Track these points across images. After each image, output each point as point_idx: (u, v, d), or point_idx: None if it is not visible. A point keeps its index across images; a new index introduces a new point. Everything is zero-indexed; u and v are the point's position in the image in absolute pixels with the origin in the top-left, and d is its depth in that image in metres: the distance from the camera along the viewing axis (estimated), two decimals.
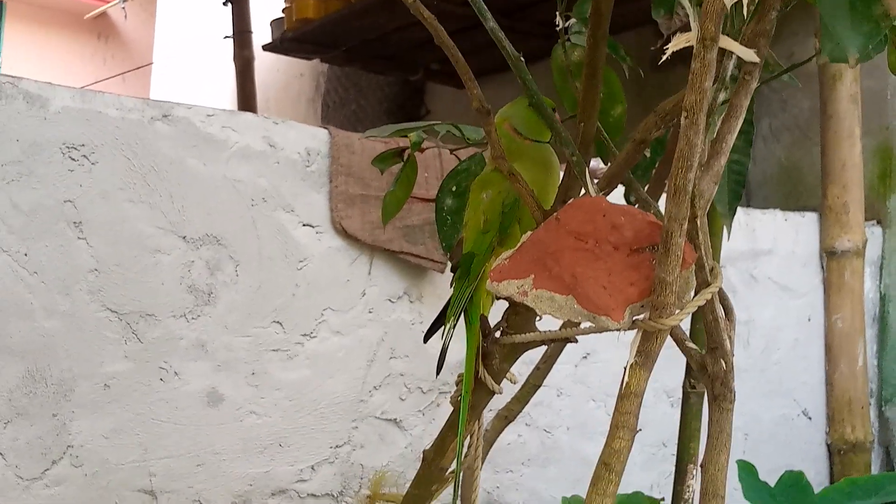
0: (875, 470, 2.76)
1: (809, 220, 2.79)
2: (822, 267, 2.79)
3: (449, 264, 2.12)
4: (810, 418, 2.77)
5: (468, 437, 1.07)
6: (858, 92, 2.77)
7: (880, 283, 2.85)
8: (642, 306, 0.76)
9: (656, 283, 0.73)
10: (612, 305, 0.74)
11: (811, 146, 2.96)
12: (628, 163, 0.87)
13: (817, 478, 2.71)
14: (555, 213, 0.80)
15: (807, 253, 2.78)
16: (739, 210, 2.65)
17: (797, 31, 3.01)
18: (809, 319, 2.77)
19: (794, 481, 1.86)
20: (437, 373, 1.07)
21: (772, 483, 1.85)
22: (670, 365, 1.77)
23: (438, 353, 1.06)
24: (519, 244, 0.80)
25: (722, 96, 0.77)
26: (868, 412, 2.75)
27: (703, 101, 0.65)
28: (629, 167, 0.88)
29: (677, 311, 0.75)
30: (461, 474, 1.08)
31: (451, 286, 1.07)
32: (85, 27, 8.97)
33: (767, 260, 2.69)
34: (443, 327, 1.06)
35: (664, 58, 0.70)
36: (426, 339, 1.14)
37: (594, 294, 0.74)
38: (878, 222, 2.86)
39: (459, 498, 1.27)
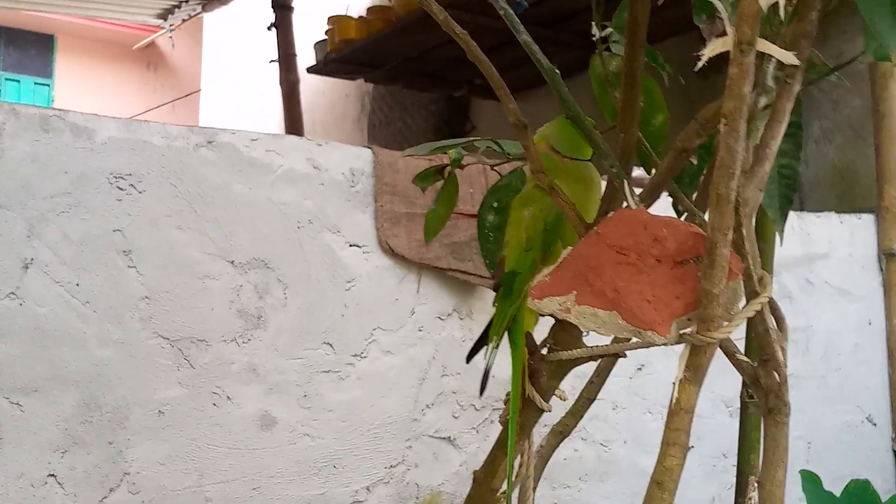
0: None
1: (866, 221, 2.73)
2: (881, 269, 2.72)
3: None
4: (875, 424, 2.69)
5: (518, 456, 1.05)
6: None
7: None
8: (689, 319, 0.74)
9: (702, 295, 0.71)
10: (658, 320, 0.72)
11: (865, 147, 2.90)
12: (671, 172, 0.85)
13: (885, 486, 2.64)
14: (594, 227, 0.78)
15: (864, 255, 2.71)
16: (793, 214, 2.60)
17: (845, 30, 2.95)
18: (870, 323, 2.70)
19: (860, 490, 1.81)
20: (481, 393, 1.05)
21: (837, 493, 1.80)
22: (727, 374, 1.73)
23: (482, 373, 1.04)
24: (560, 259, 0.79)
25: (763, 101, 0.75)
26: None
27: (743, 106, 0.63)
28: (672, 176, 0.86)
29: (725, 324, 0.72)
30: (514, 494, 1.06)
31: (493, 305, 1.06)
32: (134, 57, 9.14)
33: (824, 264, 2.64)
34: (486, 347, 1.04)
35: (699, 64, 0.68)
36: (469, 359, 1.12)
37: (638, 308, 0.72)
38: None
39: None
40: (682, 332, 0.74)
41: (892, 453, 2.70)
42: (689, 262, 0.73)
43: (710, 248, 0.68)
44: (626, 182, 0.82)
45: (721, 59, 0.73)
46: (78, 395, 1.70)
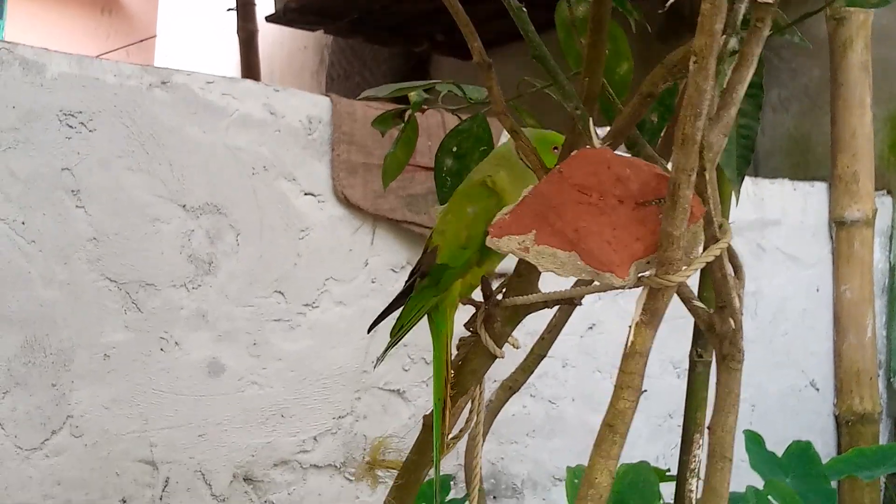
0: (883, 441, 2.73)
1: (818, 189, 2.75)
2: (831, 237, 2.75)
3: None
4: (818, 389, 2.74)
5: (469, 402, 1.05)
6: (869, 60, 2.72)
7: (890, 253, 2.82)
8: (648, 262, 0.74)
9: (662, 237, 0.70)
10: (617, 262, 0.71)
11: (821, 115, 2.92)
12: (634, 117, 0.84)
13: (825, 449, 2.69)
14: (557, 166, 0.77)
15: (816, 223, 2.74)
16: (748, 180, 2.61)
17: None
18: (818, 290, 2.74)
19: (801, 451, 1.84)
20: (375, 367, 1.04)
21: (778, 455, 1.83)
22: (676, 335, 1.74)
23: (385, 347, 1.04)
24: (521, 197, 0.77)
25: (733, 42, 0.74)
26: (876, 383, 2.73)
27: (713, 44, 0.62)
28: (635, 122, 0.85)
29: (684, 268, 0.72)
30: (440, 460, 1.05)
31: (407, 286, 1.05)
32: (87, 1, 8.91)
33: (776, 230, 2.66)
34: (396, 329, 1.02)
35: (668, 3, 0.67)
36: (370, 329, 1.12)
37: (598, 250, 0.72)
38: (889, 192, 2.82)
39: (463, 466, 1.26)
40: (640, 274, 0.74)
41: (833, 418, 2.75)
42: (651, 204, 0.72)
43: (674, 189, 0.67)
44: (590, 122, 0.81)
45: (681, 24, 0.72)
46: (21, 335, 1.67)
